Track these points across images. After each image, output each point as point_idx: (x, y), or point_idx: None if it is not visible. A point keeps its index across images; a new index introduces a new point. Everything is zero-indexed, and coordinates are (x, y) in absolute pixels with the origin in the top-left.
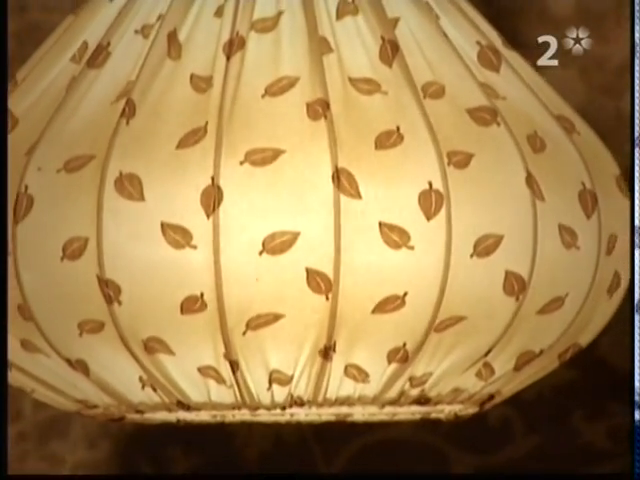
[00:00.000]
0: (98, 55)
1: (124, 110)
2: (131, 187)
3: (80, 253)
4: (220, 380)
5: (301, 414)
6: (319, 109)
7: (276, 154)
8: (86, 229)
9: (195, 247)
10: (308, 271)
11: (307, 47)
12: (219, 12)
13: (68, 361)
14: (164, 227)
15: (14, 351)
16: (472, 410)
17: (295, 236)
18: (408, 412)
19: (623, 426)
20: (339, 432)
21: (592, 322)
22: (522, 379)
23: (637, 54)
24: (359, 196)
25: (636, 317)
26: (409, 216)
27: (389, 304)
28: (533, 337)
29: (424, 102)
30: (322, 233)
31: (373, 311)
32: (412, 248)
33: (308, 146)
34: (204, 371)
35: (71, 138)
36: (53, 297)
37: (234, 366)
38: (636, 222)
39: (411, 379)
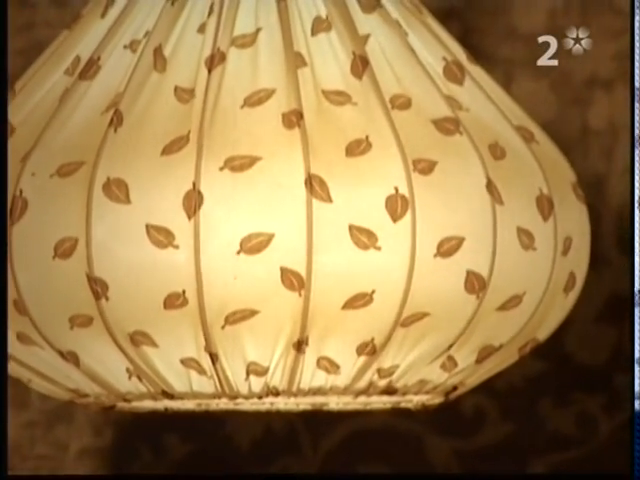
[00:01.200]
0: (89, 68)
1: (112, 119)
2: (118, 191)
3: (70, 252)
4: (201, 371)
5: (280, 403)
6: (294, 119)
7: (253, 161)
8: (76, 230)
9: (177, 247)
10: (282, 270)
11: (283, 61)
12: (202, 29)
13: (60, 353)
14: (148, 228)
15: (11, 343)
16: (438, 400)
17: (270, 237)
18: (379, 402)
19: (587, 413)
20: (325, 420)
21: (549, 319)
22: (484, 371)
23: (637, 51)
24: (330, 200)
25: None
26: (377, 219)
27: (358, 301)
28: (493, 332)
29: (392, 113)
30: (295, 234)
31: (343, 307)
32: (379, 249)
33: (283, 153)
34: (186, 362)
35: (63, 145)
36: (46, 293)
37: (214, 358)
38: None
39: (379, 371)
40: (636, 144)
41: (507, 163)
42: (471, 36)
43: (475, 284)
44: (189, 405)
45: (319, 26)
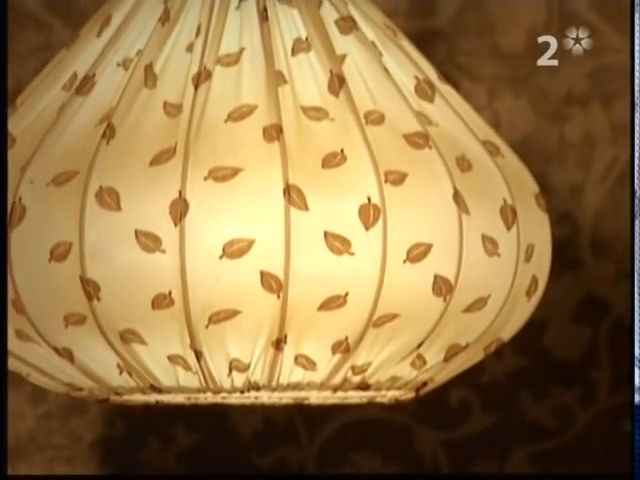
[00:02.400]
0: (85, 84)
1: (105, 132)
2: (109, 199)
3: (65, 256)
4: (187, 367)
5: (264, 397)
6: (274, 133)
7: (235, 171)
8: (70, 235)
9: (164, 251)
10: (262, 273)
11: (265, 79)
12: (189, 48)
13: (55, 349)
14: (137, 234)
15: (10, 340)
16: (410, 395)
17: (251, 243)
18: (356, 396)
19: (564, 406)
20: (321, 412)
21: (512, 320)
22: (452, 369)
23: (637, 53)
24: (307, 209)
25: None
26: (350, 226)
27: (333, 302)
28: (460, 332)
29: (366, 128)
30: (274, 240)
31: (319, 308)
32: (353, 254)
33: (263, 165)
34: (173, 359)
35: (59, 156)
36: (42, 293)
37: (198, 355)
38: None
39: (353, 368)
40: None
41: (473, 175)
42: (457, 56)
43: (442, 287)
44: (179, 399)
45: (299, 46)
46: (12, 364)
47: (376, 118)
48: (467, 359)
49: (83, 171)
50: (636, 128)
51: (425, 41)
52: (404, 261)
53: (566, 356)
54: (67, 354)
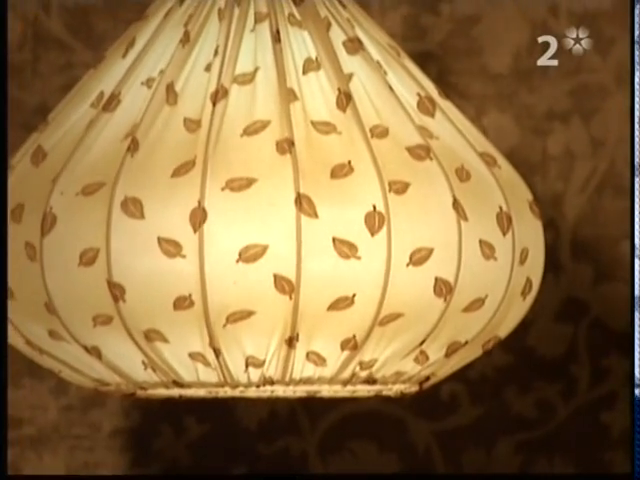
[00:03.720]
0: (111, 102)
1: (130, 146)
2: (134, 208)
3: (93, 261)
4: (206, 363)
5: (279, 391)
6: (286, 146)
7: (250, 182)
8: (98, 241)
9: (184, 256)
10: (275, 276)
11: (277, 96)
12: (208, 68)
13: (85, 347)
14: (160, 240)
15: (43, 339)
16: (414, 389)
17: (265, 248)
18: (364, 390)
19: (547, 399)
20: (322, 405)
21: (508, 318)
22: (452, 364)
23: (637, 51)
24: (316, 216)
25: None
26: (357, 232)
27: (341, 303)
28: (459, 330)
29: (371, 141)
30: (286, 246)
31: (328, 309)
32: (359, 258)
33: (276, 176)
34: (193, 356)
35: (87, 168)
36: (72, 296)
37: (217, 352)
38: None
39: (360, 363)
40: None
41: (471, 184)
42: (447, 76)
43: (443, 289)
44: (200, 393)
45: (309, 66)
46: (46, 361)
47: (381, 132)
48: (466, 355)
49: (109, 182)
50: (636, 132)
51: (418, 62)
52: (407, 264)
53: (548, 353)
54: (96, 352)
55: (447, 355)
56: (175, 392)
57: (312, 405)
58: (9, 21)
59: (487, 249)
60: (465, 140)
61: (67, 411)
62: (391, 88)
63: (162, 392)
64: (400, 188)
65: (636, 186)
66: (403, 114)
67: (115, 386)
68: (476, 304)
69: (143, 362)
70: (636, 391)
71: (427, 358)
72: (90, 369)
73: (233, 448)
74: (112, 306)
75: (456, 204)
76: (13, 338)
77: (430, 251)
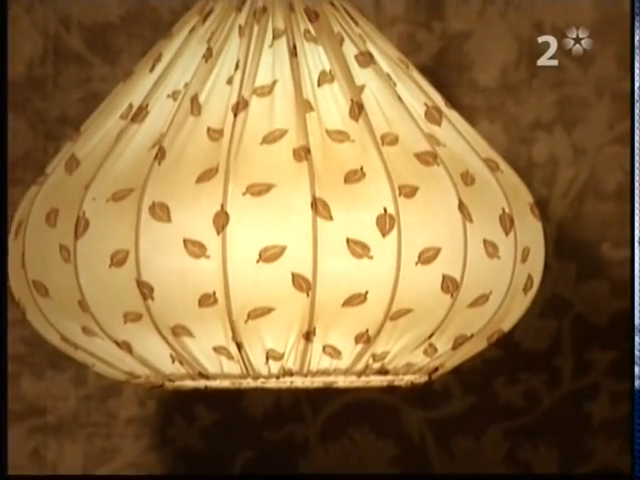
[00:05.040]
0: (139, 113)
1: (157, 155)
2: (161, 212)
3: (123, 261)
4: (230, 357)
5: (298, 382)
6: (302, 153)
7: (269, 187)
8: (127, 243)
9: (208, 257)
10: (293, 275)
11: (294, 107)
12: (230, 81)
13: (116, 342)
14: (185, 242)
15: (77, 335)
16: (423, 379)
17: (283, 249)
18: (377, 380)
19: (532, 389)
20: (323, 395)
21: (511, 313)
22: (459, 356)
23: (637, 49)
24: (331, 218)
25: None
26: (369, 233)
27: (355, 300)
28: (466, 324)
29: (382, 148)
30: (304, 246)
31: (343, 305)
32: (371, 258)
33: (293, 181)
34: (217, 350)
35: (117, 175)
36: (104, 294)
37: (239, 346)
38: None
39: (373, 356)
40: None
41: (476, 188)
42: (440, 88)
43: (450, 286)
44: (224, 384)
45: (324, 78)
46: (80, 356)
47: (391, 139)
48: (472, 347)
49: (138, 188)
50: (636, 136)
51: None
52: (416, 263)
53: (534, 346)
54: (126, 347)
55: (454, 347)
56: (201, 383)
57: (314, 395)
58: (32, 37)
59: (491, 248)
60: (470, 147)
61: (86, 401)
62: (400, 98)
63: (189, 383)
64: (409, 192)
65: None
66: (412, 123)
67: (145, 378)
68: (481, 300)
69: (171, 356)
70: (636, 382)
71: (435, 350)
72: (121, 362)
73: (241, 435)
74: (141, 304)
75: (462, 206)
76: (49, 334)
77: (437, 250)
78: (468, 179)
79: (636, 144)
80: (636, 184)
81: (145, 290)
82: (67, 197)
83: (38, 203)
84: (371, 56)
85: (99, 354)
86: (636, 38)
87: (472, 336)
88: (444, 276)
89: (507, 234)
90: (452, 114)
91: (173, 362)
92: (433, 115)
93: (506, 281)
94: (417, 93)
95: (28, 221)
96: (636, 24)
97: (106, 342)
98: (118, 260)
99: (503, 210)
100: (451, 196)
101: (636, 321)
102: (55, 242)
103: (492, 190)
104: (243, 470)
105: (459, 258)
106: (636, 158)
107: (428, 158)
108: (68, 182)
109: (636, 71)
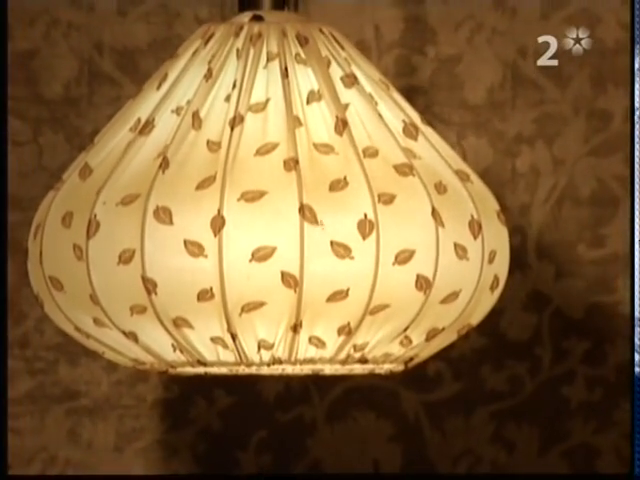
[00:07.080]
0: (146, 127)
1: (161, 164)
2: (164, 215)
3: (130, 260)
4: (225, 346)
5: (288, 369)
6: (292, 164)
7: (262, 194)
8: (134, 243)
9: (206, 256)
10: (282, 273)
11: (285, 122)
12: (227, 98)
13: (124, 333)
14: (186, 243)
15: (89, 326)
16: (400, 368)
17: (274, 249)
18: (359, 368)
19: (516, 375)
20: (329, 381)
21: (479, 309)
22: (432, 347)
23: (637, 49)
24: (317, 223)
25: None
26: (351, 237)
27: (337, 296)
28: (438, 319)
29: (363, 160)
30: (292, 248)
31: (327, 300)
32: (353, 258)
33: (283, 189)
34: (214, 340)
35: (126, 182)
36: (112, 289)
37: (234, 336)
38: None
39: (354, 346)
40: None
41: (448, 196)
42: (432, 107)
43: (423, 284)
44: (221, 371)
45: (312, 97)
46: (92, 344)
47: (372, 152)
48: (444, 339)
49: (144, 194)
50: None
51: (408, 95)
52: (393, 263)
53: (517, 337)
54: (132, 336)
55: (427, 339)
56: (200, 370)
57: (321, 381)
58: (69, 61)
59: (461, 251)
60: (443, 160)
61: (117, 385)
62: (381, 116)
63: (189, 370)
64: (388, 199)
65: (638, 194)
66: (391, 138)
67: (149, 365)
68: (451, 297)
69: (172, 345)
70: (636, 370)
71: (411, 342)
72: (128, 350)
73: (255, 416)
74: (146, 298)
75: (435, 213)
76: (64, 325)
77: (412, 252)
78: (441, 188)
79: (636, 144)
80: (636, 185)
81: (149, 285)
82: (80, 201)
83: (54, 207)
84: (355, 78)
85: (109, 343)
86: (636, 66)
87: (444, 329)
88: (418, 275)
89: (475, 238)
90: (427, 130)
91: (174, 351)
92: (410, 131)
93: (474, 280)
94: (396, 111)
95: (45, 223)
96: (636, 51)
97: (114, 332)
98: (125, 258)
99: (472, 216)
100: (425, 203)
101: (636, 315)
102: (69, 242)
103: (462, 198)
104: (258, 447)
105: (432, 259)
106: (636, 159)
107: (405, 169)
108: (82, 188)
109: (636, 95)
